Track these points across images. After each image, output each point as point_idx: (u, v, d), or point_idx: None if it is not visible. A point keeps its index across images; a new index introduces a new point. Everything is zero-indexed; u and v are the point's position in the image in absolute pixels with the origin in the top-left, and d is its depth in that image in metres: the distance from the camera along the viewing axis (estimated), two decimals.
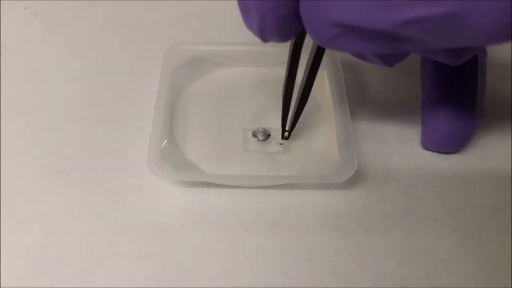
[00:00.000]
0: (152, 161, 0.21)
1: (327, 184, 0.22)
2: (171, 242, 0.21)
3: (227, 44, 0.27)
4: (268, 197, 0.22)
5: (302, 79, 0.21)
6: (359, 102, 0.26)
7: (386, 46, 0.15)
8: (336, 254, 0.21)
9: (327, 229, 0.21)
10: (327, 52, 0.20)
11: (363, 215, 0.22)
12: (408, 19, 0.14)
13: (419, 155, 0.24)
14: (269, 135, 0.24)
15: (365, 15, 0.14)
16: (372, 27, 0.14)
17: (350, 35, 0.15)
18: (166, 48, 0.26)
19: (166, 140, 0.22)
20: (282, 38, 0.17)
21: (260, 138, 0.24)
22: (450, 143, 0.23)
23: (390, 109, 0.25)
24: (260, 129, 0.24)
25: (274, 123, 0.24)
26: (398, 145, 0.24)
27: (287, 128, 0.23)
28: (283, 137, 0.23)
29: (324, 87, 0.25)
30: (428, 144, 0.24)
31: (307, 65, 0.20)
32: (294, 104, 0.22)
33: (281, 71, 0.26)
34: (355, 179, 0.23)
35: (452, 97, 0.23)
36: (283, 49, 0.26)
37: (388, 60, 0.20)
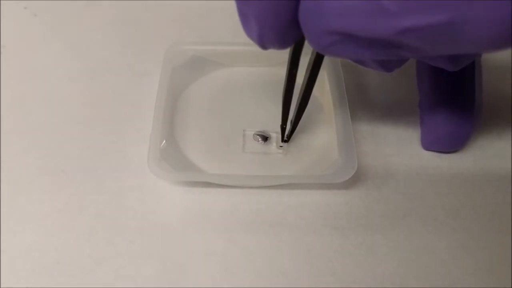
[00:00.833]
0: (152, 161, 0.21)
1: (327, 184, 0.22)
2: (171, 242, 0.21)
3: (227, 44, 0.27)
4: (268, 197, 0.22)
5: (302, 84, 0.21)
6: (359, 102, 0.26)
7: (384, 53, 0.16)
8: (336, 254, 0.21)
9: (327, 229, 0.21)
10: None
11: (363, 215, 0.22)
12: (405, 28, 0.14)
13: (419, 155, 0.24)
14: (267, 138, 0.24)
15: (363, 24, 0.14)
16: (369, 35, 0.14)
17: (348, 42, 0.15)
18: (166, 48, 0.26)
19: (164, 141, 0.22)
20: (281, 45, 0.17)
21: (260, 140, 0.24)
22: (450, 143, 0.23)
23: (390, 110, 0.25)
24: (259, 132, 0.24)
25: (274, 123, 0.24)
26: (398, 145, 0.24)
27: (287, 132, 0.23)
28: (283, 140, 0.24)
29: (324, 87, 0.25)
30: (428, 144, 0.24)
31: (307, 69, 0.20)
32: (293, 107, 0.22)
33: (281, 71, 0.26)
34: (355, 179, 0.23)
35: (450, 98, 0.23)
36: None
37: (387, 66, 0.20)
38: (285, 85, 0.21)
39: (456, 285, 0.20)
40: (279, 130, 0.23)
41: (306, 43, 0.17)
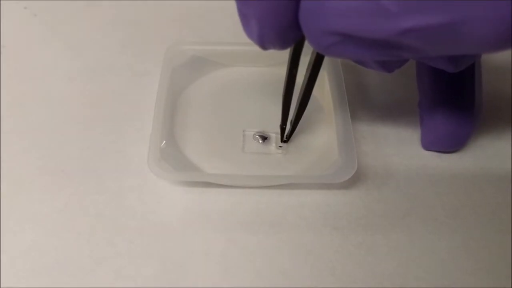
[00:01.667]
0: (152, 161, 0.21)
1: (327, 184, 0.22)
2: (171, 242, 0.21)
3: (227, 44, 0.27)
4: (268, 197, 0.22)
5: (302, 84, 0.21)
6: (359, 102, 0.26)
7: (384, 54, 0.16)
8: (336, 254, 0.21)
9: (327, 229, 0.21)
10: None
11: (363, 215, 0.22)
12: (405, 29, 0.14)
13: (419, 155, 0.24)
14: (266, 138, 0.24)
15: (363, 24, 0.14)
16: (370, 36, 0.14)
17: (348, 43, 0.15)
18: (166, 48, 0.26)
19: (164, 141, 0.22)
20: (282, 46, 0.17)
21: (260, 141, 0.24)
22: (449, 143, 0.23)
23: (390, 110, 0.25)
24: (259, 132, 0.24)
25: (274, 123, 0.24)
26: (398, 145, 0.24)
27: (286, 132, 0.23)
28: (282, 140, 0.24)
29: (324, 87, 0.25)
30: (428, 144, 0.24)
31: (307, 69, 0.20)
32: (293, 107, 0.22)
33: (281, 71, 0.26)
34: (355, 179, 0.23)
35: (450, 98, 0.23)
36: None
37: (388, 66, 0.20)
38: (285, 85, 0.21)
39: (456, 285, 0.20)
40: (279, 130, 0.23)
41: (306, 43, 0.17)
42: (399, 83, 0.27)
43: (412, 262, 0.20)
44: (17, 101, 0.26)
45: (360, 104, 0.26)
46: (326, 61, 0.24)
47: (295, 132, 0.23)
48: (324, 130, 0.24)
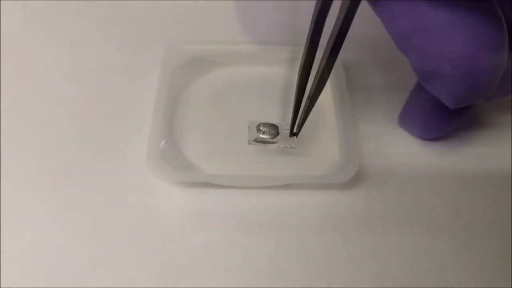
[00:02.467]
0: (151, 161, 0.21)
1: (328, 184, 0.22)
2: (170, 242, 0.21)
3: (227, 43, 0.27)
4: (268, 197, 0.22)
5: (321, 62, 0.19)
6: (360, 102, 0.26)
7: None
8: (337, 255, 0.21)
9: (328, 229, 0.21)
10: None
11: (364, 215, 0.22)
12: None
13: (420, 156, 0.24)
14: (277, 128, 0.22)
15: None
16: None
17: None
18: (165, 48, 0.26)
19: (163, 142, 0.22)
20: None
21: (268, 136, 0.22)
22: (424, 130, 0.24)
23: (392, 110, 0.25)
24: (266, 125, 0.23)
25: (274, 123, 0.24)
26: (400, 146, 0.24)
27: (297, 122, 0.22)
28: (291, 135, 0.22)
29: (325, 87, 0.25)
30: (403, 124, 0.24)
31: (327, 46, 0.19)
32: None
33: (282, 71, 0.26)
34: (356, 180, 0.22)
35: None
36: (284, 48, 0.26)
37: None
38: (304, 56, 0.19)
39: (457, 285, 0.20)
40: (282, 131, 0.23)
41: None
42: (401, 83, 0.27)
43: (413, 263, 0.20)
44: (15, 100, 0.26)
45: (362, 104, 0.26)
46: None
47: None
48: (325, 130, 0.24)
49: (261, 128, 0.22)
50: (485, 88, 0.17)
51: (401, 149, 0.24)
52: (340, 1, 0.17)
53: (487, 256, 0.21)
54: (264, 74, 0.27)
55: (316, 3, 0.18)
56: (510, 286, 0.20)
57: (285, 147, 0.23)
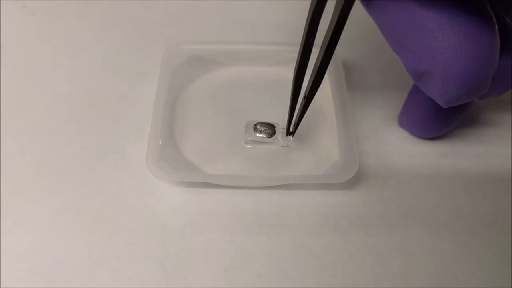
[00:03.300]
0: (151, 161, 0.21)
1: (328, 184, 0.22)
2: (170, 242, 0.21)
3: (226, 43, 0.27)
4: (268, 197, 0.22)
5: (316, 61, 0.19)
6: (360, 102, 0.26)
7: None
8: (337, 255, 0.21)
9: (328, 229, 0.21)
10: None
11: (364, 215, 0.22)
12: None
13: (420, 155, 0.24)
14: (274, 127, 0.23)
15: None
16: None
17: None
18: (165, 48, 0.26)
19: (161, 142, 0.22)
20: None
21: (264, 136, 0.23)
22: (423, 129, 0.24)
23: (391, 109, 0.25)
24: (263, 125, 0.23)
25: (274, 122, 0.24)
26: (399, 145, 0.24)
27: (293, 122, 0.22)
28: (287, 134, 0.23)
29: (325, 87, 0.25)
30: (403, 123, 0.24)
31: (322, 46, 0.19)
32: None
33: (282, 71, 0.26)
34: (356, 180, 0.22)
35: None
36: (283, 48, 0.26)
37: None
38: (299, 58, 0.19)
39: (457, 285, 0.20)
40: (279, 130, 0.23)
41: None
42: (401, 83, 0.26)
43: (413, 263, 0.20)
44: (15, 100, 0.26)
45: (361, 104, 0.26)
46: None
47: (296, 132, 0.23)
48: (325, 130, 0.24)
49: (258, 128, 0.23)
50: (477, 88, 0.18)
51: (401, 149, 0.24)
52: (334, 1, 0.17)
53: (487, 256, 0.21)
54: (264, 74, 0.27)
55: (311, 4, 0.18)
56: (510, 286, 0.20)
57: (282, 146, 0.23)
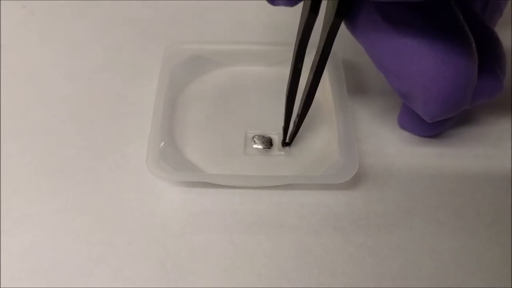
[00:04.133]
0: (151, 161, 0.21)
1: (328, 184, 0.22)
2: (170, 243, 0.21)
3: (226, 43, 0.27)
4: (268, 197, 0.22)
5: (306, 83, 0.21)
6: (360, 102, 0.26)
7: None
8: (337, 255, 0.21)
9: (328, 229, 0.21)
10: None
11: (364, 215, 0.22)
12: None
13: (420, 155, 0.24)
14: (270, 140, 0.24)
15: None
16: None
17: None
18: (165, 47, 0.26)
19: (163, 143, 0.22)
20: (290, 1, 0.18)
21: (260, 146, 0.23)
22: (422, 127, 0.24)
23: (392, 109, 0.25)
24: (258, 136, 0.24)
25: (274, 123, 0.24)
26: (400, 145, 0.24)
27: (289, 133, 0.23)
28: (284, 144, 0.23)
29: (325, 87, 0.25)
30: (402, 123, 0.24)
31: (311, 69, 0.20)
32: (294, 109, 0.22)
33: (282, 71, 0.26)
34: (356, 180, 0.22)
35: None
36: (283, 48, 0.26)
37: None
38: (289, 82, 0.21)
39: (457, 285, 0.20)
40: (280, 131, 0.23)
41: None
42: None
43: (413, 263, 0.20)
44: (15, 100, 0.26)
45: (361, 104, 0.26)
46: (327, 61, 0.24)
47: (296, 132, 0.23)
48: (325, 130, 0.24)
49: (255, 140, 0.23)
50: (457, 105, 0.19)
51: (401, 149, 0.24)
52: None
53: (487, 256, 0.21)
54: (264, 74, 0.27)
55: (297, 33, 0.19)
56: (510, 286, 0.20)
57: (280, 154, 0.23)
